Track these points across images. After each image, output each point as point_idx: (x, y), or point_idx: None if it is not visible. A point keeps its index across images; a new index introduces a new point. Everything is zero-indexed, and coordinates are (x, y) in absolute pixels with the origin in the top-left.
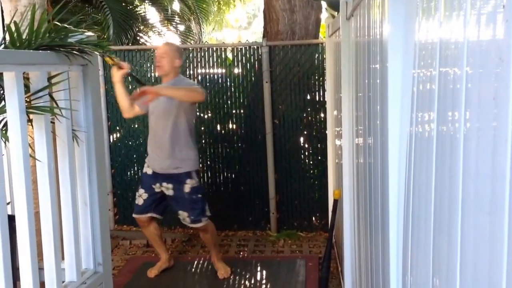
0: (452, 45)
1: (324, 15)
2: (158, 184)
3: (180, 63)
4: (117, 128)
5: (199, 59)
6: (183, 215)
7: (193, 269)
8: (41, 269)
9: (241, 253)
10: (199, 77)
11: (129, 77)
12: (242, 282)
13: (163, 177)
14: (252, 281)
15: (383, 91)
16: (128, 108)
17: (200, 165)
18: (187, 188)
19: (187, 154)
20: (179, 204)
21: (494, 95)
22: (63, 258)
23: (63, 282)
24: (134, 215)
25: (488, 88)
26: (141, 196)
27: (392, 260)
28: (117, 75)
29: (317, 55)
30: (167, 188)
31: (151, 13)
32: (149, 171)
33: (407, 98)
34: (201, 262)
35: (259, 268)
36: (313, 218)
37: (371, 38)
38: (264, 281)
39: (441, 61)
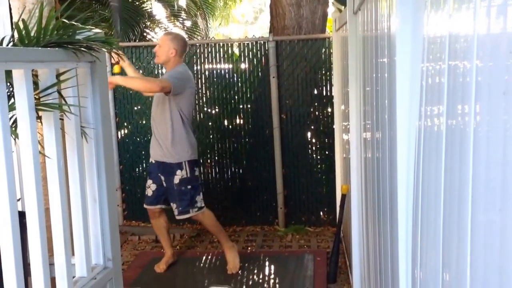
0: (462, 38)
1: (331, 10)
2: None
3: (175, 53)
4: (125, 124)
5: (206, 55)
6: (172, 206)
7: (201, 264)
8: (51, 264)
9: (249, 248)
10: (206, 73)
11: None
12: (251, 277)
13: (160, 166)
14: (261, 276)
15: (391, 85)
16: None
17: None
18: (176, 179)
19: (180, 145)
20: (170, 195)
21: (505, 89)
22: (73, 254)
23: (73, 277)
24: (145, 206)
25: (498, 81)
26: (150, 187)
27: (401, 254)
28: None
29: (324, 49)
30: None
31: (158, 9)
32: (153, 160)
33: (415, 92)
34: (209, 257)
35: (267, 263)
36: (321, 213)
37: (378, 32)
38: (272, 276)
39: (450, 55)
